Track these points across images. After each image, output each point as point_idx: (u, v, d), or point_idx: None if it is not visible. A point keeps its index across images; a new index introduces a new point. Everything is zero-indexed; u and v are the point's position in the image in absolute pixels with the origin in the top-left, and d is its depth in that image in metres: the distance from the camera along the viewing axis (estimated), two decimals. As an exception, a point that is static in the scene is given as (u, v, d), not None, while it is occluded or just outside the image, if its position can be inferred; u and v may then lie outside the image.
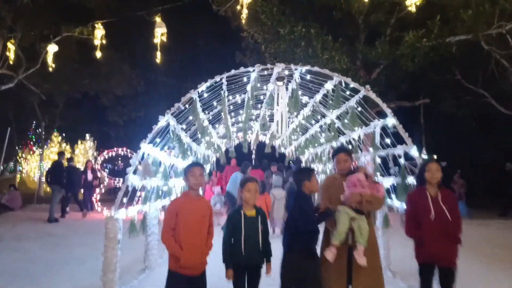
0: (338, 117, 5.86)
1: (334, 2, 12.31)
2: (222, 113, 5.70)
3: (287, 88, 4.83)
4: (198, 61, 22.42)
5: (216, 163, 11.13)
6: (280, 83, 4.49)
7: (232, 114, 7.27)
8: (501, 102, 15.01)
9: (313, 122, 7.22)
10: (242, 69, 4.54)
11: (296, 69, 4.62)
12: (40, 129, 22.03)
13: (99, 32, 10.19)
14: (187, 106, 4.74)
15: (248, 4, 7.34)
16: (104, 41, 10.21)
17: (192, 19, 20.41)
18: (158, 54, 8.85)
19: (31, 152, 23.84)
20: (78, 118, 25.19)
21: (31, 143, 23.97)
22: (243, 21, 7.29)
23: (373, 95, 4.49)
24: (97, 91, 20.39)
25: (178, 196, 3.62)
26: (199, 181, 3.33)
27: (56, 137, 23.73)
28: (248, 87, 5.33)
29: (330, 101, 5.00)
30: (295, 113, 6.93)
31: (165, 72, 21.46)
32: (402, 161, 4.67)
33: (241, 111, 7.18)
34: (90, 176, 13.07)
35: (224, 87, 4.84)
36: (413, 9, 9.98)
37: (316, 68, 4.47)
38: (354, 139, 5.80)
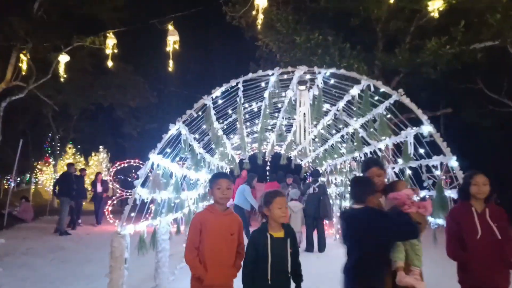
0: (362, 126, 5.41)
1: (351, 9, 11.96)
2: (238, 123, 5.32)
3: (309, 93, 4.42)
4: (211, 72, 22.36)
5: (230, 174, 10.75)
6: (302, 87, 4.09)
7: (248, 124, 6.89)
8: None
9: (333, 131, 6.77)
10: (260, 73, 4.16)
11: (319, 73, 4.22)
12: (54, 142, 22.15)
13: (111, 41, 10.04)
14: (200, 113, 4.38)
15: (263, 9, 7.01)
16: (115, 50, 10.03)
17: (205, 30, 20.39)
18: (171, 62, 8.58)
19: (47, 164, 23.99)
20: (92, 130, 25.39)
21: (47, 155, 24.15)
22: (259, 26, 6.96)
23: (407, 100, 4.05)
24: (111, 103, 20.44)
25: (195, 211, 3.20)
26: (225, 195, 2.96)
27: (70, 149, 23.87)
28: (266, 94, 4.94)
29: (357, 108, 4.56)
30: (314, 122, 6.51)
31: (178, 83, 21.42)
32: (438, 173, 4.18)
33: (256, 121, 6.80)
34: (99, 188, 12.83)
35: (240, 93, 4.47)
36: (436, 14, 9.58)
37: (342, 71, 4.06)
38: (380, 149, 5.33)
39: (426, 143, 4.22)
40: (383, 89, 4.12)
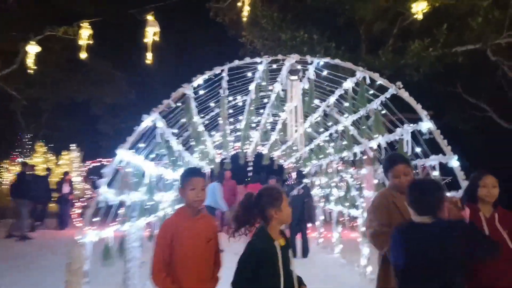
0: (354, 123, 5.08)
1: (336, 8, 11.76)
2: (220, 117, 4.88)
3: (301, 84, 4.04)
4: (195, 70, 21.71)
5: (210, 175, 10.27)
6: (294, 77, 3.70)
7: (231, 120, 6.46)
8: (505, 116, 14.48)
9: (321, 130, 6.43)
10: (247, 60, 3.75)
11: (311, 63, 3.85)
12: (24, 139, 20.97)
13: (86, 32, 9.39)
14: (179, 104, 3.92)
15: (249, 1, 6.62)
16: (91, 42, 9.39)
17: (188, 26, 19.79)
18: (149, 55, 8.06)
19: (14, 164, 22.68)
20: (66, 127, 24.24)
21: (15, 153, 22.84)
22: (244, 18, 6.56)
23: (405, 94, 3.74)
24: (86, 100, 19.53)
25: (170, 215, 2.66)
26: (200, 197, 2.49)
27: (41, 147, 22.69)
28: (252, 86, 4.53)
29: (350, 104, 4.22)
30: (301, 120, 6.14)
31: (158, 81, 20.70)
32: (436, 173, 3.88)
33: (240, 117, 6.38)
34: (67, 189, 11.97)
35: (224, 83, 4.04)
36: (419, 16, 9.48)
37: (337, 61, 3.71)
38: (372, 148, 5.01)
39: (424, 141, 3.92)
40: (380, 81, 3.80)
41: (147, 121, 3.50)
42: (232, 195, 10.96)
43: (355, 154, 5.77)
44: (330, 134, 6.15)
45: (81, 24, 9.52)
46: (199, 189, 2.48)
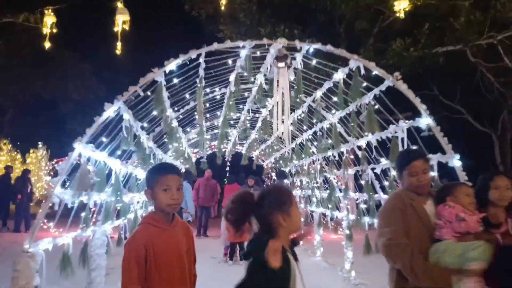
0: (342, 120, 4.71)
1: (317, 5, 11.48)
2: (197, 111, 4.39)
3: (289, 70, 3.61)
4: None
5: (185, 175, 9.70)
6: (281, 64, 3.27)
7: (208, 115, 5.97)
8: (479, 119, 14.69)
9: (304, 128, 6.05)
10: (228, 44, 3.29)
11: (300, 50, 3.43)
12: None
13: (49, 19, 8.63)
14: (149, 94, 3.41)
15: (226, -1, 6.14)
16: (54, 30, 8.64)
17: (161, 20, 19.04)
18: (119, 45, 7.44)
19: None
20: (32, 125, 22.93)
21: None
22: (222, 7, 6.09)
23: (403, 86, 3.39)
24: (53, 96, 18.43)
25: (139, 225, 2.07)
26: (176, 200, 1.96)
27: (5, 146, 21.31)
28: (232, 76, 4.07)
29: (339, 97, 3.84)
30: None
31: (130, 76, 19.78)
32: (433, 174, 3.55)
33: (218, 113, 5.90)
34: (27, 188, 11.03)
35: (202, 71, 3.56)
36: (401, 15, 9.33)
37: (329, 47, 3.32)
38: (360, 147, 4.66)
39: (421, 139, 3.59)
40: (376, 71, 3.43)
41: (109, 111, 2.97)
42: (212, 196, 10.46)
43: (340, 154, 5.42)
44: (315, 132, 5.77)
45: (44, 11, 8.76)
46: (174, 190, 1.95)
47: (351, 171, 5.26)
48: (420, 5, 10.48)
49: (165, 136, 5.11)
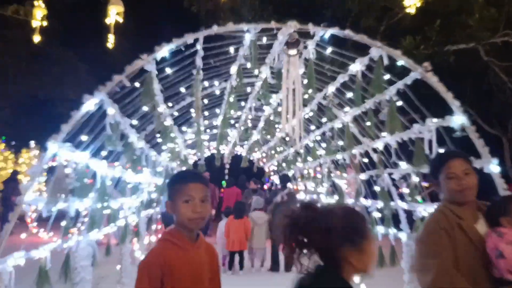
0: (356, 119, 4.22)
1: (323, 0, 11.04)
2: (194, 107, 3.91)
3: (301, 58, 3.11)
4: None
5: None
6: (292, 52, 2.79)
7: (206, 113, 5.49)
8: (489, 121, 14.21)
9: (312, 127, 5.56)
10: (230, 27, 2.81)
11: (313, 34, 2.96)
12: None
13: (39, 12, 8.16)
14: (137, 86, 2.92)
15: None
16: (45, 23, 8.17)
17: (160, 14, 18.58)
18: (111, 37, 6.96)
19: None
20: (28, 124, 22.53)
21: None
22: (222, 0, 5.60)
23: (433, 79, 2.91)
24: (49, 95, 18.00)
25: (156, 243, 1.71)
26: (200, 214, 1.59)
27: (-1, 145, 20.87)
28: (233, 69, 3.59)
29: (356, 92, 3.36)
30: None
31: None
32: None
33: (217, 110, 5.42)
34: (14, 191, 10.51)
35: (199, 61, 3.08)
36: (412, 10, 8.91)
37: (348, 32, 2.85)
38: (376, 150, 4.18)
39: (451, 141, 3.11)
40: (403, 61, 2.95)
41: (89, 104, 2.49)
42: (211, 201, 9.96)
43: (352, 157, 4.94)
44: (323, 133, 5.28)
45: (34, 3, 8.28)
46: (198, 201, 1.60)
47: (363, 176, 4.78)
48: (430, 1, 10.05)
49: (158, 136, 4.63)
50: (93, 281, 4.48)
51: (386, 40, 12.26)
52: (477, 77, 12.85)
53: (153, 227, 7.80)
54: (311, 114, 4.83)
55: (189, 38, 2.72)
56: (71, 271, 3.90)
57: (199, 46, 2.91)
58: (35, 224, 10.74)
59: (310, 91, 3.70)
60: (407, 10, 9.07)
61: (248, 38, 2.94)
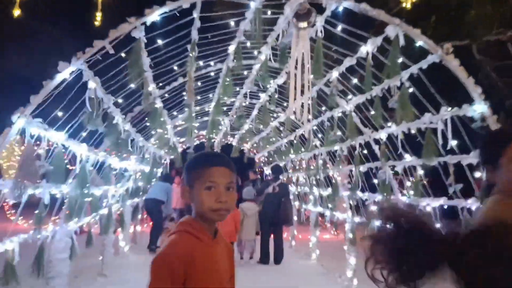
0: (359, 107, 3.96)
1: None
2: (187, 87, 3.57)
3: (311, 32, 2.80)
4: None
5: (170, 167, 8.86)
6: (302, 24, 2.47)
7: (198, 97, 5.14)
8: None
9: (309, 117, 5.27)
10: (231, -7, 2.48)
11: (325, 7, 2.65)
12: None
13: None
14: (123, 56, 2.57)
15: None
16: (26, -4, 7.61)
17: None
18: (99, 14, 6.51)
19: None
20: (8, 105, 21.64)
21: None
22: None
23: (454, 63, 2.66)
24: (32, 73, 17.22)
25: (173, 237, 1.30)
26: (223, 203, 1.32)
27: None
28: (232, 47, 3.27)
29: (367, 76, 3.08)
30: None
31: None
32: (478, 175, 2.86)
33: (211, 95, 5.09)
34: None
35: (195, 33, 2.74)
36: (408, 5, 8.70)
37: (363, 6, 2.55)
38: (379, 141, 3.92)
39: (467, 131, 2.87)
40: (422, 42, 2.68)
41: (64, 73, 2.13)
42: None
43: (350, 148, 4.69)
44: (322, 122, 5.00)
45: (15, -26, 7.73)
46: (222, 189, 1.33)
47: (362, 168, 4.54)
48: (428, -3, 9.86)
49: (146, 119, 4.28)
50: (70, 275, 4.16)
51: (379, 35, 12.08)
52: (469, 75, 12.82)
53: (139, 216, 7.46)
54: (309, 102, 4.54)
55: (185, 2, 2.37)
56: (46, 264, 3.58)
57: (196, 14, 2.57)
58: (13, 211, 10.22)
59: (311, 76, 3.41)
60: (403, 5, 8.89)
61: (253, 5, 2.61)
